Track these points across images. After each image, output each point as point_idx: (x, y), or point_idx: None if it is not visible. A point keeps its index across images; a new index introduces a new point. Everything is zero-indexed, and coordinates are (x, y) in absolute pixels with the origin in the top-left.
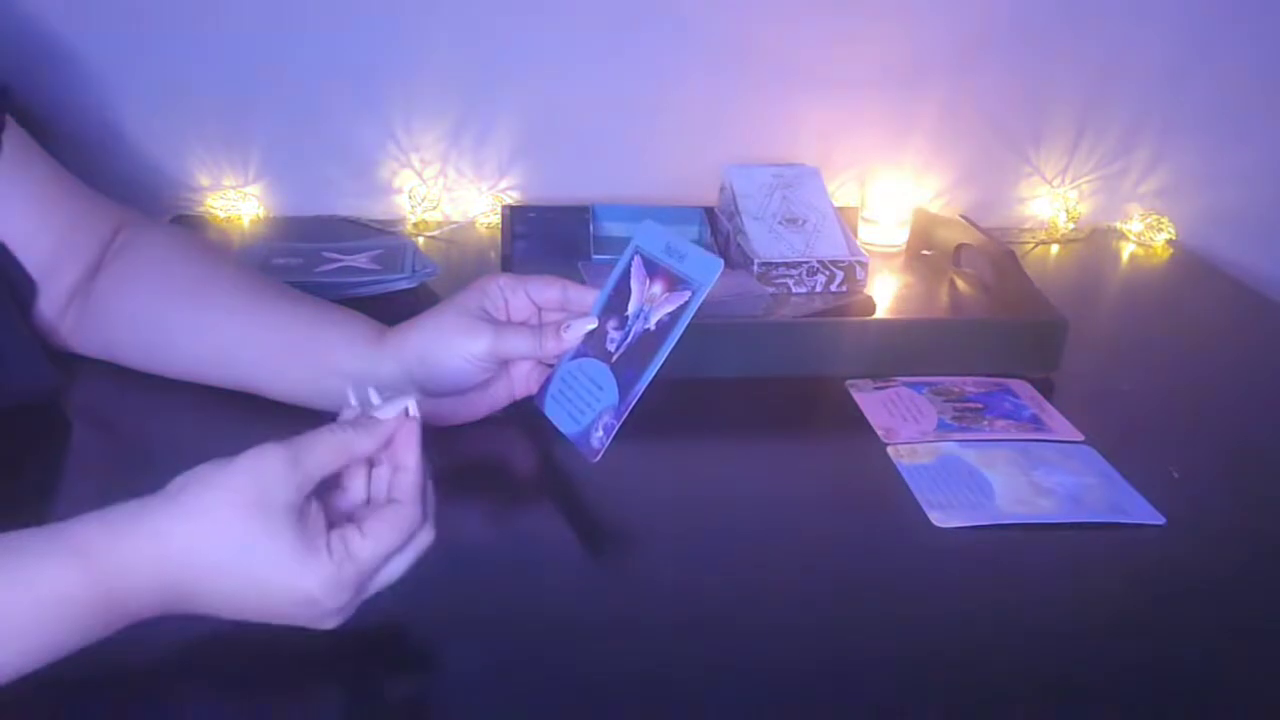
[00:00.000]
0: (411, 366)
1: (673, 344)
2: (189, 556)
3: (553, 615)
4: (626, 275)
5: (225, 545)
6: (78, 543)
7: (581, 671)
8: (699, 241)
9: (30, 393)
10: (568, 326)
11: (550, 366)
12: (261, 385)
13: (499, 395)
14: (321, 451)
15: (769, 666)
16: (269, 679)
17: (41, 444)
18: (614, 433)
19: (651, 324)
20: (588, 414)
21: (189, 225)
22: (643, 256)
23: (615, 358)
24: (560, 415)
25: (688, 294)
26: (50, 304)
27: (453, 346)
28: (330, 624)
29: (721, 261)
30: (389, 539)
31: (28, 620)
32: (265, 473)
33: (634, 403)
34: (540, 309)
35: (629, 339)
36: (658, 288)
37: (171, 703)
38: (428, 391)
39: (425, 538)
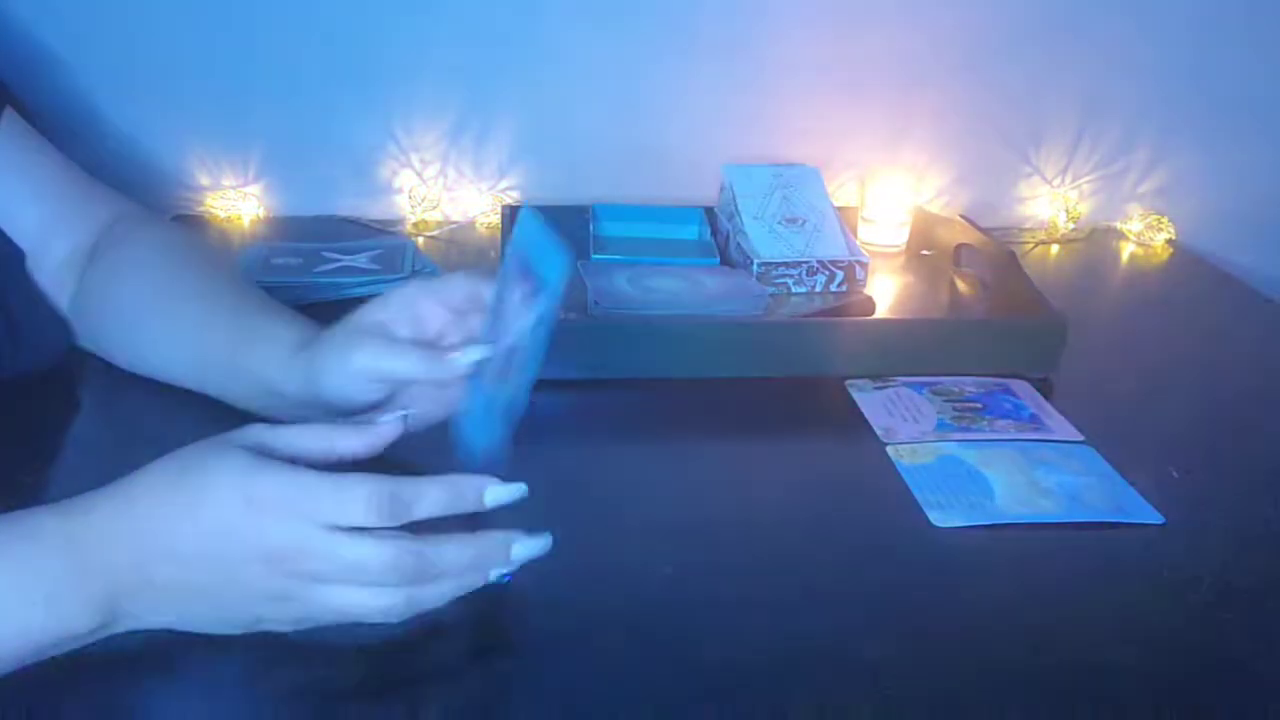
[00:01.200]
0: (311, 378)
1: (535, 370)
2: (145, 487)
3: (548, 617)
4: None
5: (179, 464)
6: (63, 505)
7: (581, 673)
8: (699, 241)
9: (45, 351)
10: (458, 353)
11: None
12: (219, 393)
13: (430, 412)
14: (301, 432)
15: (768, 665)
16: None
17: (50, 423)
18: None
19: (513, 336)
20: (476, 438)
21: (189, 225)
22: (517, 254)
23: (491, 379)
24: (457, 438)
25: (540, 300)
26: (39, 275)
27: (337, 361)
28: (279, 571)
29: (569, 257)
30: (353, 479)
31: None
32: (236, 430)
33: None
34: (460, 313)
35: (501, 354)
36: (519, 292)
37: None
38: (328, 408)
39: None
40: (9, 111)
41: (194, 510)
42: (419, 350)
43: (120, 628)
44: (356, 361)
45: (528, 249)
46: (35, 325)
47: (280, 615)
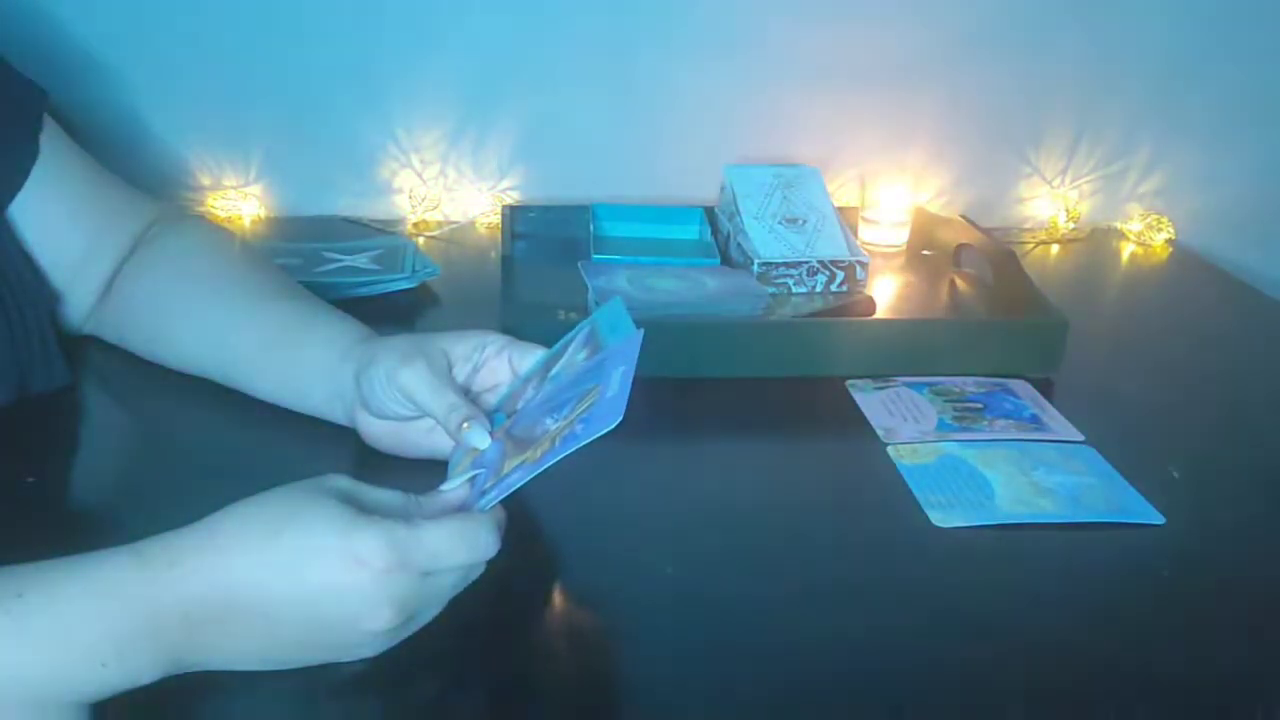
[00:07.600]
0: (359, 372)
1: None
2: (236, 539)
3: (549, 620)
4: (568, 344)
5: (271, 514)
6: (145, 554)
7: (579, 678)
8: (699, 241)
9: (42, 390)
10: (470, 427)
11: None
12: (244, 380)
13: (440, 444)
14: (381, 492)
15: (768, 665)
16: None
17: (50, 423)
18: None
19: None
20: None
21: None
22: (594, 329)
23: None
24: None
25: (594, 385)
26: (83, 299)
27: (389, 367)
28: (381, 621)
29: (640, 334)
30: (456, 528)
31: (79, 611)
32: (318, 478)
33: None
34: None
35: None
36: (583, 354)
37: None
38: (363, 405)
39: (478, 563)
40: (50, 129)
41: (296, 570)
42: (454, 400)
43: (183, 671)
44: (401, 377)
45: (599, 322)
46: (40, 362)
47: (366, 647)
